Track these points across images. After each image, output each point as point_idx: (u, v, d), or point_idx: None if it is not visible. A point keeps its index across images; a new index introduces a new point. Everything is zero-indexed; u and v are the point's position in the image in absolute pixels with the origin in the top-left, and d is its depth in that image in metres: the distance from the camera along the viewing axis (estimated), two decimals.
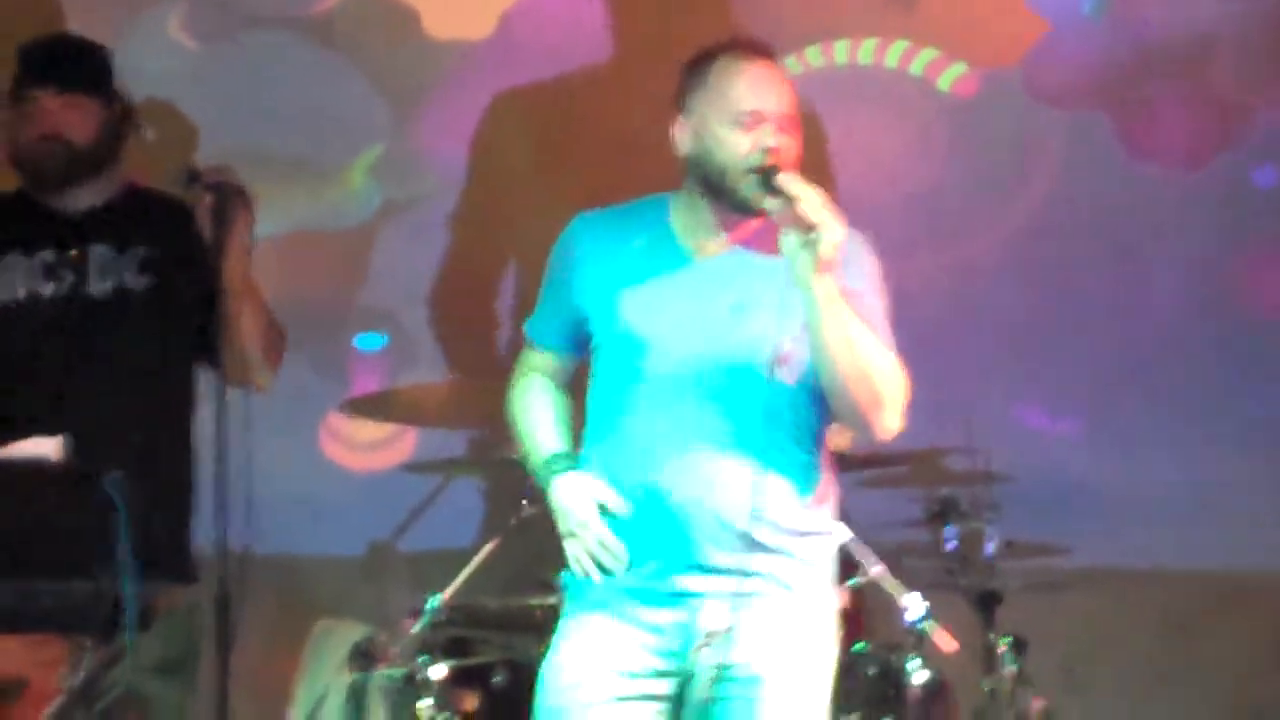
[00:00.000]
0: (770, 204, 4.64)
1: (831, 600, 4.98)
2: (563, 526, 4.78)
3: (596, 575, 4.72)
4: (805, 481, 4.87)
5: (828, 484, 4.94)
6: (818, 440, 4.92)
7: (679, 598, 4.80)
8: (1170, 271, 7.58)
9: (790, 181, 4.62)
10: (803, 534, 4.86)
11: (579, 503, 4.75)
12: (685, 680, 4.83)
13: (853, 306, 4.71)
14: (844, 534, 5.51)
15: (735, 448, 4.80)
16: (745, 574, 4.79)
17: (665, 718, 4.85)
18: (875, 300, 4.85)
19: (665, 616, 4.81)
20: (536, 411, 4.97)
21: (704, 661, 4.80)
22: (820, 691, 4.90)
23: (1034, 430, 7.55)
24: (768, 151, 4.72)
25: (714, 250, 4.89)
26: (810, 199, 4.57)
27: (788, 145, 4.78)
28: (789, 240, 4.61)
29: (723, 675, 4.80)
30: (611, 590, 4.86)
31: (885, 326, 4.84)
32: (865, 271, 4.85)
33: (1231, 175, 7.66)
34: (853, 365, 4.70)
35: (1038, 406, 7.59)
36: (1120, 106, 7.69)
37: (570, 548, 4.76)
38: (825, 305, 4.62)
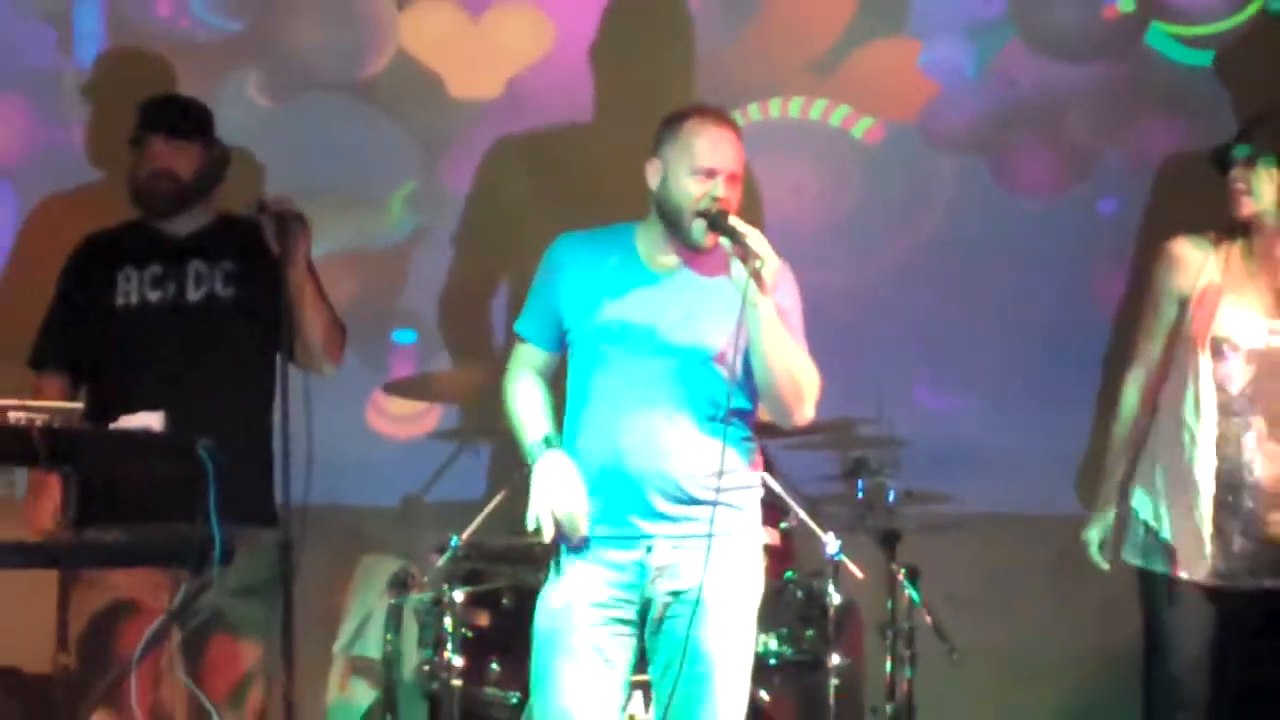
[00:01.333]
0: (723, 241, 4.73)
1: (757, 539, 5.06)
2: (535, 493, 4.80)
3: (549, 536, 4.80)
4: (736, 450, 4.96)
5: (754, 452, 5.04)
6: (746, 417, 5.00)
7: (635, 540, 4.90)
8: (1034, 279, 7.59)
9: (738, 223, 4.71)
10: (733, 490, 4.94)
11: (551, 479, 4.80)
12: (644, 604, 4.93)
13: (783, 321, 4.82)
14: (768, 489, 5.57)
15: (681, 423, 4.90)
16: (688, 520, 4.91)
17: (630, 637, 4.94)
18: (797, 317, 4.95)
19: (625, 556, 4.91)
20: (525, 400, 4.99)
21: (657, 590, 4.92)
22: (749, 609, 4.99)
23: (926, 405, 7.59)
24: (716, 199, 4.79)
25: (667, 267, 4.97)
26: (755, 236, 4.68)
27: (732, 195, 4.85)
28: (737, 268, 4.71)
29: (672, 599, 4.91)
30: (587, 540, 4.96)
31: (802, 337, 4.94)
32: (790, 292, 4.94)
33: (1082, 205, 7.71)
34: (783, 368, 4.82)
35: (929, 386, 7.65)
36: (996, 151, 7.74)
37: (534, 509, 4.79)
38: (766, 321, 4.74)
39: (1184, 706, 5.59)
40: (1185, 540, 5.47)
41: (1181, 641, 5.57)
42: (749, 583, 5.01)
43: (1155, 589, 5.60)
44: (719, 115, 5.05)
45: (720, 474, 4.91)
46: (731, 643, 4.94)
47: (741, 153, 4.97)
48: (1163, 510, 5.52)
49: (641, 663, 5.08)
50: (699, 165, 4.89)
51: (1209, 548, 5.42)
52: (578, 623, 4.92)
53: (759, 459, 5.09)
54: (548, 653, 4.97)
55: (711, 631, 4.90)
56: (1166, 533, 5.51)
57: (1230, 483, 5.42)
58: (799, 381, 4.88)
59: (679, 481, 4.89)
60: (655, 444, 4.90)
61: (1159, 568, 5.54)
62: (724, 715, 4.94)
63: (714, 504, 4.88)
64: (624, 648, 4.96)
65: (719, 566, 4.90)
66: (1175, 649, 5.59)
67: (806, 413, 4.95)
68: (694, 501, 4.90)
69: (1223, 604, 5.51)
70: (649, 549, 4.89)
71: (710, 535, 4.88)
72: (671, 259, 4.97)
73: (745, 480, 5.01)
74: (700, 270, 4.93)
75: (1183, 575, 5.49)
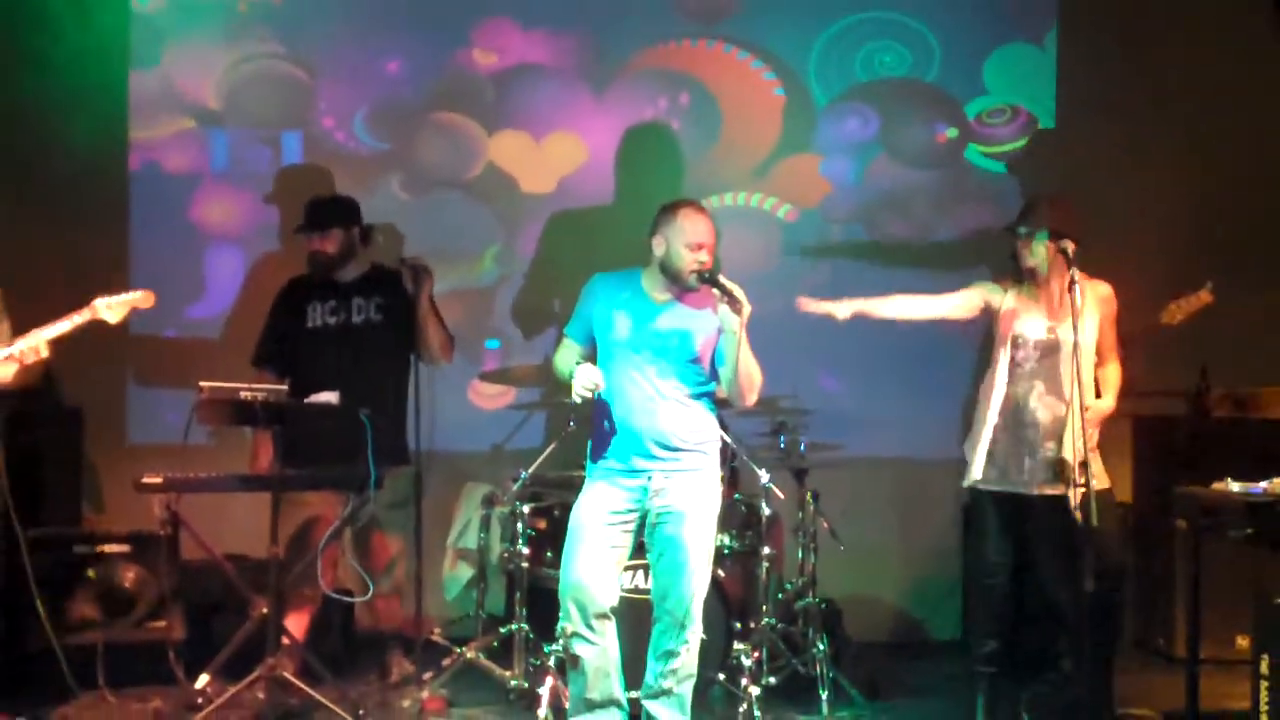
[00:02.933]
0: (715, 291, 4.84)
1: (717, 474, 5.11)
2: (575, 384, 4.85)
3: (588, 394, 4.85)
4: (703, 415, 5.04)
5: (714, 417, 5.11)
6: (710, 395, 5.07)
7: (639, 473, 4.98)
8: None
9: (726, 280, 4.82)
10: (701, 441, 5.03)
11: (583, 370, 4.83)
12: (644, 514, 4.99)
13: (746, 340, 4.88)
14: (726, 440, 5.60)
15: (668, 398, 4.98)
16: (673, 460, 4.99)
17: (630, 534, 5.02)
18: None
19: (633, 483, 4.99)
20: (568, 360, 5.02)
21: (653, 505, 4.97)
22: (711, 519, 5.06)
23: (824, 387, 7.53)
24: (703, 264, 4.90)
25: (662, 300, 5.03)
26: (738, 290, 4.78)
27: (711, 259, 4.95)
28: (724, 310, 4.84)
29: (663, 510, 4.97)
30: (606, 470, 5.03)
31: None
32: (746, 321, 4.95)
33: (926, 259, 7.66)
34: (745, 374, 4.92)
35: (826, 375, 7.59)
36: (870, 224, 7.71)
37: (575, 389, 4.84)
38: (740, 344, 4.83)
39: (989, 574, 5.67)
40: (979, 460, 5.57)
41: (984, 528, 5.68)
42: (712, 501, 5.08)
43: (969, 495, 5.74)
44: (698, 206, 5.15)
45: (692, 431, 5.01)
46: (701, 539, 5.01)
47: (713, 228, 5.06)
48: (976, 445, 5.61)
49: (639, 552, 5.15)
50: (690, 241, 4.97)
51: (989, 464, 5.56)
52: (597, 522, 5.00)
53: (716, 422, 5.13)
54: (573, 540, 5.02)
55: (688, 532, 4.98)
56: (974, 458, 5.60)
57: (1021, 421, 5.51)
58: (753, 380, 4.97)
59: (667, 435, 4.97)
60: (651, 411, 4.98)
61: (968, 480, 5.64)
62: (696, 584, 5.00)
63: (690, 450, 5.00)
64: (625, 542, 5.03)
65: (692, 490, 5.00)
66: (980, 533, 5.71)
67: (752, 400, 5.04)
68: (677, 449, 4.98)
69: (1014, 505, 5.59)
70: (649, 478, 4.97)
71: (686, 470, 5.00)
72: (666, 295, 5.04)
73: (709, 435, 5.08)
74: (685, 303, 5.03)
75: (979, 484, 5.59)
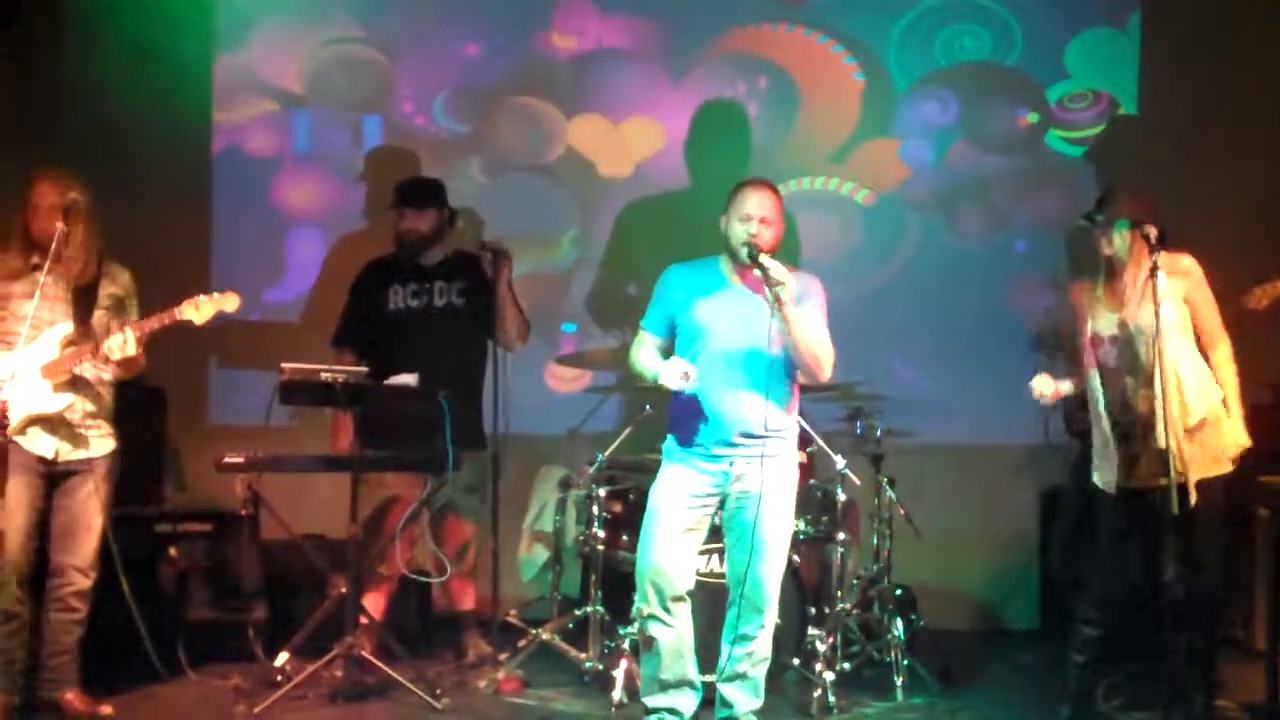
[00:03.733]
0: (756, 270, 4.79)
1: (795, 459, 5.08)
2: (665, 378, 4.84)
3: (683, 384, 4.82)
4: (783, 402, 5.00)
5: (795, 402, 5.06)
6: (791, 380, 5.03)
7: (720, 458, 4.96)
8: (971, 295, 7.54)
9: (765, 258, 4.77)
10: (780, 426, 4.99)
11: (670, 363, 4.82)
12: (724, 498, 4.98)
13: (810, 317, 4.86)
14: (802, 426, 5.59)
15: (747, 384, 4.94)
16: (752, 446, 4.96)
17: (708, 518, 5.01)
18: (820, 312, 4.95)
19: (714, 467, 4.97)
20: (649, 357, 5.02)
21: (732, 490, 4.97)
22: (789, 505, 5.04)
23: (900, 373, 7.49)
24: (752, 235, 4.84)
25: (737, 284, 5.01)
26: (776, 267, 4.74)
27: (764, 233, 4.88)
28: (767, 290, 4.76)
29: (742, 495, 4.97)
30: (685, 453, 5.02)
31: (824, 324, 4.94)
32: (817, 296, 4.97)
33: (1004, 246, 7.64)
34: (805, 348, 4.87)
35: (903, 361, 7.56)
36: (947, 211, 7.66)
37: (665, 380, 4.83)
38: (789, 321, 4.78)
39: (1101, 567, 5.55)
40: (1102, 466, 5.42)
41: (1097, 524, 5.53)
42: (790, 486, 5.05)
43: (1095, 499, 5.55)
44: (761, 181, 5.11)
45: (771, 416, 4.95)
46: (778, 524, 5.00)
47: (777, 205, 5.01)
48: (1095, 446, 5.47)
49: (715, 536, 5.15)
50: (742, 213, 4.94)
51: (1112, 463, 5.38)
52: (675, 505, 4.99)
53: (794, 405, 5.10)
54: (651, 523, 5.02)
55: (766, 517, 4.95)
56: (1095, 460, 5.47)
57: (1119, 416, 5.35)
58: (818, 355, 4.91)
59: (747, 421, 4.94)
60: (732, 396, 4.95)
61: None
62: (772, 569, 5.00)
63: (769, 435, 4.94)
64: (703, 526, 5.03)
65: (771, 476, 4.96)
66: (1095, 528, 5.55)
67: (826, 375, 4.98)
68: (757, 435, 4.95)
69: (1124, 499, 5.47)
70: (730, 463, 4.96)
71: (765, 457, 4.95)
72: (740, 280, 5.01)
73: (788, 421, 5.05)
74: (753, 289, 4.96)
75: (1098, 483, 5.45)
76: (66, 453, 5.27)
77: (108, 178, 6.74)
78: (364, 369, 5.68)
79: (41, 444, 5.25)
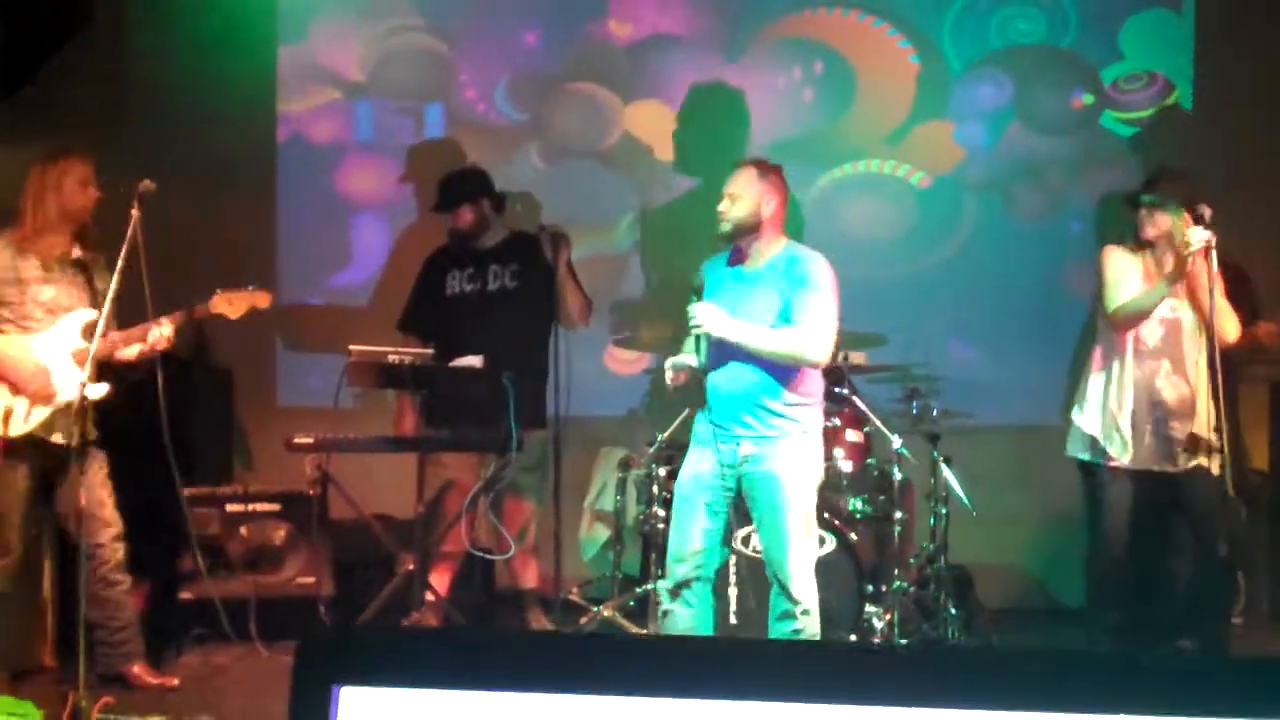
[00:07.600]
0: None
1: (810, 438, 5.12)
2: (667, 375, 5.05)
3: (671, 381, 5.04)
4: (789, 383, 5.04)
5: (804, 381, 5.08)
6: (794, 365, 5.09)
7: (735, 438, 5.04)
8: (1028, 274, 7.53)
9: (693, 313, 5.04)
10: (788, 406, 5.05)
11: (669, 361, 5.06)
12: (739, 476, 5.05)
13: (810, 299, 4.99)
14: (855, 405, 5.71)
15: (749, 365, 5.05)
16: (763, 426, 5.05)
17: (730, 494, 5.07)
18: (823, 296, 5.01)
19: (728, 449, 5.06)
20: (688, 346, 5.13)
21: (744, 469, 5.05)
22: (803, 482, 5.06)
23: (956, 354, 7.47)
24: (720, 212, 5.09)
25: (735, 266, 5.21)
26: (694, 317, 5.07)
27: (730, 208, 5.09)
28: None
29: (755, 475, 5.04)
30: (703, 436, 5.12)
31: (827, 310, 5.02)
32: (813, 283, 5.03)
33: (1059, 226, 7.61)
34: (769, 355, 5.03)
35: (959, 342, 7.55)
36: (1004, 191, 7.65)
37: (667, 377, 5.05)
38: (741, 343, 5.03)
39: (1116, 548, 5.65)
40: (1114, 439, 5.53)
41: (1114, 502, 5.61)
42: (803, 465, 5.08)
43: (1096, 473, 5.64)
44: (753, 160, 5.25)
45: (781, 396, 5.04)
46: (792, 503, 5.03)
47: (752, 178, 5.12)
48: (1101, 419, 5.57)
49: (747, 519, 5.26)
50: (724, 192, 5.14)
51: (1123, 444, 5.48)
52: (699, 488, 5.10)
53: (804, 386, 5.09)
54: (679, 506, 5.14)
55: (780, 496, 5.02)
56: (1101, 434, 5.56)
57: (1149, 400, 5.46)
58: (793, 356, 5.00)
59: (755, 401, 5.03)
60: (739, 377, 5.05)
61: (1098, 459, 5.59)
62: (792, 547, 5.01)
63: (777, 415, 5.02)
64: (725, 504, 5.10)
65: (783, 455, 5.03)
66: (1109, 511, 5.63)
67: (813, 361, 5.04)
68: (765, 415, 5.04)
69: (1144, 481, 5.56)
70: (739, 443, 5.05)
71: (776, 436, 5.04)
72: (736, 262, 5.23)
73: (795, 400, 5.05)
74: (746, 268, 5.18)
75: (1112, 463, 5.54)
76: (76, 436, 5.20)
77: (177, 169, 6.93)
78: (429, 351, 5.79)
79: (58, 429, 5.31)
